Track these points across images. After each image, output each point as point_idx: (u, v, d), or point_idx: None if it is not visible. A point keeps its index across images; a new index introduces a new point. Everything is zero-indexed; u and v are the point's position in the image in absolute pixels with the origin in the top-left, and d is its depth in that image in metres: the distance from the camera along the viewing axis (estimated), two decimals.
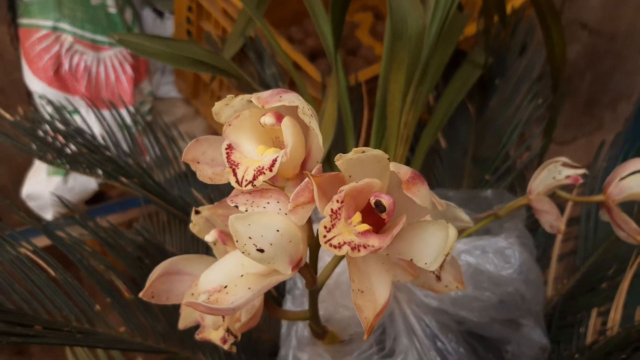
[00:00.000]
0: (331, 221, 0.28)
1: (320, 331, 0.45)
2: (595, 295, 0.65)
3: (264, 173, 0.30)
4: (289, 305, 0.54)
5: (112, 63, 0.99)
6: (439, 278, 0.37)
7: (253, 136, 0.32)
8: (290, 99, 0.30)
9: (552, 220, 0.49)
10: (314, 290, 0.39)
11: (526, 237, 0.54)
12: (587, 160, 0.72)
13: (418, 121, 0.79)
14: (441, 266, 0.37)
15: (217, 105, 0.31)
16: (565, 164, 0.50)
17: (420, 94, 0.59)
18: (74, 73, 0.96)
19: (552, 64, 0.78)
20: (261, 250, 0.29)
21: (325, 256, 0.49)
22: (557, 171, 0.50)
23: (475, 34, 0.88)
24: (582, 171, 0.49)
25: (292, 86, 0.81)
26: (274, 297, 0.60)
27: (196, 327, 0.40)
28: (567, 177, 0.49)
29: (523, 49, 0.82)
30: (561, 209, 0.72)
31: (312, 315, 0.41)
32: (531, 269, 0.51)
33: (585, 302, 0.65)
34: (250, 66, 0.81)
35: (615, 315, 0.59)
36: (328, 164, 0.60)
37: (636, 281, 0.59)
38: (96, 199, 1.04)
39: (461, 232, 0.53)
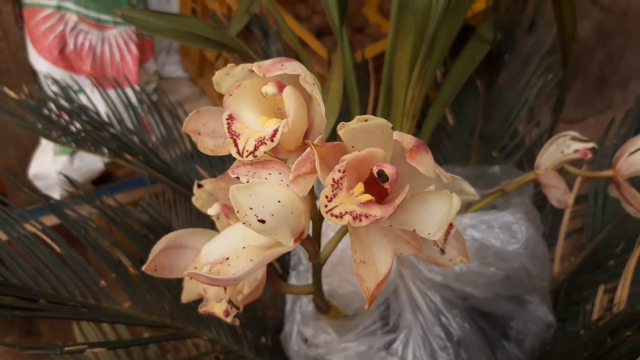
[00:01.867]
0: (332, 191, 0.27)
1: (324, 306, 0.45)
2: (602, 272, 0.64)
3: (265, 143, 0.29)
4: (293, 281, 0.54)
5: (117, 42, 0.99)
6: (443, 251, 0.37)
7: (254, 106, 0.31)
8: (292, 67, 0.29)
9: (559, 195, 0.49)
10: (317, 264, 0.39)
11: (533, 213, 0.53)
12: (596, 138, 0.71)
13: (425, 98, 0.78)
14: (445, 240, 0.37)
15: (218, 75, 0.31)
16: (574, 138, 0.49)
17: (428, 68, 0.58)
18: (79, 52, 0.96)
19: (563, 40, 0.76)
20: (262, 221, 0.28)
21: (329, 232, 0.48)
22: (566, 145, 0.49)
23: (484, 10, 0.87)
24: (591, 145, 0.48)
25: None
26: (279, 273, 0.60)
27: (199, 301, 0.40)
28: (576, 151, 0.48)
29: (532, 25, 0.80)
30: (569, 186, 0.71)
31: (316, 290, 0.41)
32: (537, 244, 0.50)
33: (592, 280, 0.65)
34: (255, 43, 0.80)
35: (622, 292, 0.58)
36: (333, 140, 0.59)
37: None
38: (103, 179, 1.04)
39: (468, 207, 0.52)
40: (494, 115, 0.76)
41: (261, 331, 0.57)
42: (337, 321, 0.49)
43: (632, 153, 0.49)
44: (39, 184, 0.95)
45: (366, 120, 0.27)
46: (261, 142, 0.29)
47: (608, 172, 0.50)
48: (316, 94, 0.29)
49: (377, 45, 0.89)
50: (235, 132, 0.30)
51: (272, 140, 0.29)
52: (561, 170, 0.52)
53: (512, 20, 0.80)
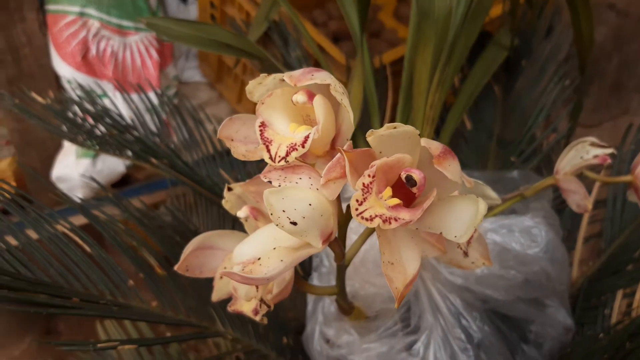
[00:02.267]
0: (363, 195, 0.28)
1: (347, 307, 0.46)
2: (621, 277, 0.65)
3: (297, 149, 0.31)
4: (315, 282, 0.55)
5: (138, 48, 1.01)
6: (466, 254, 0.38)
7: (285, 114, 0.33)
8: (322, 77, 0.31)
9: (579, 199, 0.49)
10: (342, 265, 0.40)
11: (553, 218, 0.54)
12: (613, 144, 0.71)
13: (443, 103, 0.79)
14: (468, 242, 0.38)
15: (251, 84, 0.32)
16: (593, 144, 0.50)
17: (447, 75, 0.59)
18: (102, 58, 0.98)
19: (580, 45, 0.77)
20: (294, 223, 0.29)
21: (352, 235, 0.49)
22: (585, 151, 0.49)
23: (501, 15, 0.87)
24: (610, 151, 0.49)
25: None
26: (300, 275, 0.61)
27: (227, 301, 0.41)
28: (595, 156, 0.49)
29: (549, 31, 0.81)
30: (588, 191, 0.71)
31: (340, 290, 0.42)
32: (557, 248, 0.51)
33: (611, 284, 0.65)
34: (274, 49, 0.81)
35: None
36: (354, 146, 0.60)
37: None
38: (123, 182, 1.06)
39: (488, 211, 0.53)
40: (512, 121, 0.76)
41: (283, 332, 0.58)
42: (359, 322, 0.50)
43: None
44: (62, 187, 0.97)
45: (395, 128, 0.28)
46: (293, 148, 0.31)
47: (627, 177, 0.51)
48: (345, 102, 0.30)
49: (394, 50, 0.90)
50: (267, 138, 0.31)
51: (303, 147, 0.30)
52: (580, 175, 0.52)
53: (529, 26, 0.80)
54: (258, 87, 0.32)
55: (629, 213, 0.68)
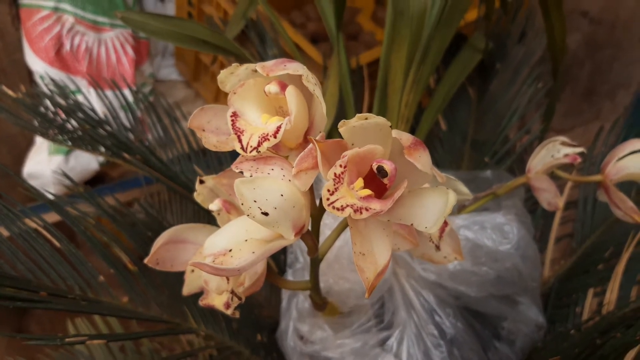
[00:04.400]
0: (334, 185, 0.28)
1: (320, 302, 0.45)
2: (592, 276, 0.66)
3: (269, 139, 0.30)
4: (290, 279, 0.55)
5: (113, 44, 0.99)
6: (438, 248, 0.38)
7: (257, 105, 0.33)
8: (295, 67, 0.30)
9: (550, 197, 0.50)
10: (315, 260, 0.39)
11: (524, 215, 0.54)
12: (585, 147, 0.72)
13: (419, 105, 0.79)
14: (440, 237, 0.38)
15: (223, 74, 0.32)
16: (564, 143, 0.51)
17: (422, 75, 0.59)
18: (75, 54, 0.96)
19: (552, 50, 0.78)
20: (265, 214, 0.29)
21: (325, 230, 0.49)
22: (556, 150, 0.50)
23: (476, 19, 0.89)
24: (580, 150, 0.50)
25: None
26: (275, 271, 0.61)
27: (199, 297, 0.41)
28: (566, 155, 0.50)
29: (523, 35, 0.82)
30: (560, 191, 0.73)
31: (313, 285, 0.42)
32: (528, 245, 0.52)
33: (582, 283, 0.66)
34: (251, 47, 0.81)
35: (611, 295, 0.60)
36: None
37: (632, 263, 0.60)
38: (96, 181, 1.04)
39: (461, 209, 0.53)
40: (486, 122, 0.77)
41: (257, 329, 0.57)
42: (333, 318, 0.50)
43: (620, 158, 0.51)
44: (34, 183, 0.95)
45: (366, 119, 0.28)
46: (265, 138, 0.30)
47: (597, 177, 0.52)
48: (318, 92, 0.30)
49: (371, 52, 0.91)
50: (239, 128, 0.31)
51: (275, 137, 0.30)
52: (551, 175, 0.53)
53: (503, 30, 0.82)
54: (230, 76, 0.32)
55: (599, 214, 0.70)
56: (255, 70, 0.32)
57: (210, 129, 0.34)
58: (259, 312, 0.62)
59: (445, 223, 0.38)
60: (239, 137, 0.31)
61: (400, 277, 0.50)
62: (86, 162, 0.95)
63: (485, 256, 0.49)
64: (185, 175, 0.67)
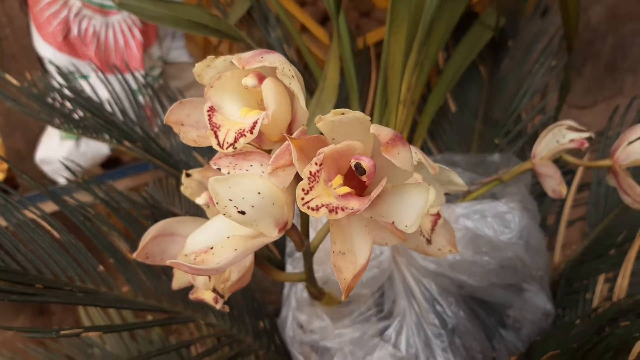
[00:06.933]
0: (309, 184, 0.27)
1: (317, 293, 0.45)
2: (603, 261, 0.64)
3: (245, 135, 0.29)
4: (289, 268, 0.54)
5: (120, 28, 0.99)
6: (429, 241, 0.37)
7: (236, 98, 0.32)
8: (271, 59, 0.29)
9: (554, 184, 0.48)
10: (307, 253, 0.39)
11: (529, 202, 0.53)
12: (602, 127, 0.70)
13: (428, 84, 0.77)
14: (433, 230, 0.37)
15: (198, 67, 0.31)
16: (570, 128, 0.48)
17: (426, 56, 0.57)
18: (83, 38, 0.96)
19: (566, 24, 0.75)
20: (242, 213, 0.29)
21: (324, 218, 0.49)
22: (562, 135, 0.48)
23: None
24: (587, 135, 0.48)
25: (299, 49, 0.80)
26: (277, 260, 0.60)
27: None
28: (572, 140, 0.48)
29: (536, 11, 0.79)
30: (573, 174, 0.70)
31: (308, 277, 0.41)
32: (532, 234, 0.50)
33: (593, 269, 0.64)
34: (256, 30, 0.80)
35: (623, 281, 0.58)
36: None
37: None
38: (111, 163, 1.05)
39: (465, 195, 0.52)
40: (497, 102, 0.75)
41: (259, 316, 0.57)
42: (332, 307, 0.50)
43: (630, 142, 0.48)
44: (46, 169, 0.97)
45: (343, 114, 0.27)
46: (241, 134, 0.30)
47: (606, 162, 0.50)
48: (294, 86, 0.29)
49: (378, 31, 0.88)
50: (215, 123, 0.30)
51: (251, 132, 0.29)
52: (559, 160, 0.51)
53: (515, 7, 0.79)
54: (207, 69, 0.31)
55: (612, 197, 0.67)
56: (233, 62, 0.31)
57: (189, 123, 0.33)
58: (264, 297, 0.62)
59: (438, 215, 0.37)
60: (215, 132, 0.30)
61: (400, 266, 0.49)
62: (97, 146, 0.95)
63: (486, 246, 0.48)
64: (187, 164, 0.67)
